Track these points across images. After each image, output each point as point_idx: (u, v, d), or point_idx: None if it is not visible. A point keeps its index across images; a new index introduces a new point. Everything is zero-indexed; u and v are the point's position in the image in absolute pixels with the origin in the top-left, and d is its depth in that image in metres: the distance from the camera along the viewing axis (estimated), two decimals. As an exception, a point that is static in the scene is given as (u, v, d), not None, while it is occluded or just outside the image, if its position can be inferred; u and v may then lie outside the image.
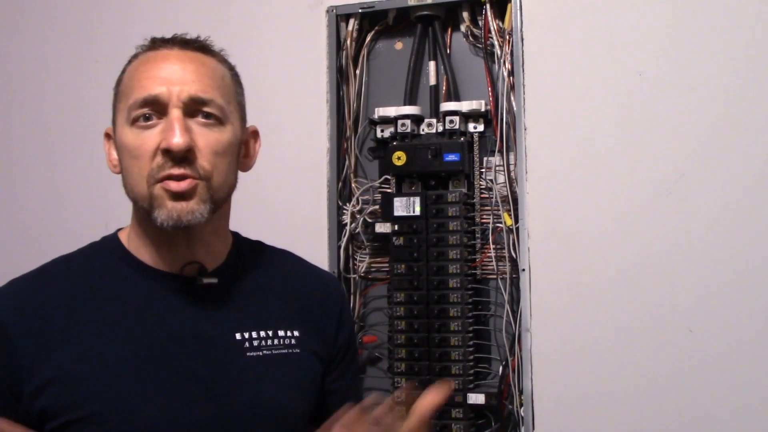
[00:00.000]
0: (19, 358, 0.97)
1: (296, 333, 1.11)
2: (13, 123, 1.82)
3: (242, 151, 1.10)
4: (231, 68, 1.12)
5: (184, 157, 1.00)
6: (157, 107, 1.02)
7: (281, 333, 1.10)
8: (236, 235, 1.15)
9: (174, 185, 1.00)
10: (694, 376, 1.36)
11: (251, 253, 1.16)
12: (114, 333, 1.00)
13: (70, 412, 0.96)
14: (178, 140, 0.99)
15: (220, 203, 1.06)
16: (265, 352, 1.07)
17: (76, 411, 0.96)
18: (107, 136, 1.11)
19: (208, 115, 1.04)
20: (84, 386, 0.97)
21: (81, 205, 1.73)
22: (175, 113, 1.01)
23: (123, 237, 1.10)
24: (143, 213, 1.03)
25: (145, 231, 1.06)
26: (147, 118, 1.02)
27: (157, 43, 1.08)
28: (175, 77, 1.03)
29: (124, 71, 1.08)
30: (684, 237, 1.38)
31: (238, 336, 1.06)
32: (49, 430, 0.96)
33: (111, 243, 1.10)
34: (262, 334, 1.08)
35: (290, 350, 1.10)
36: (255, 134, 1.15)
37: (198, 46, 1.08)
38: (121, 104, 1.05)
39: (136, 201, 1.03)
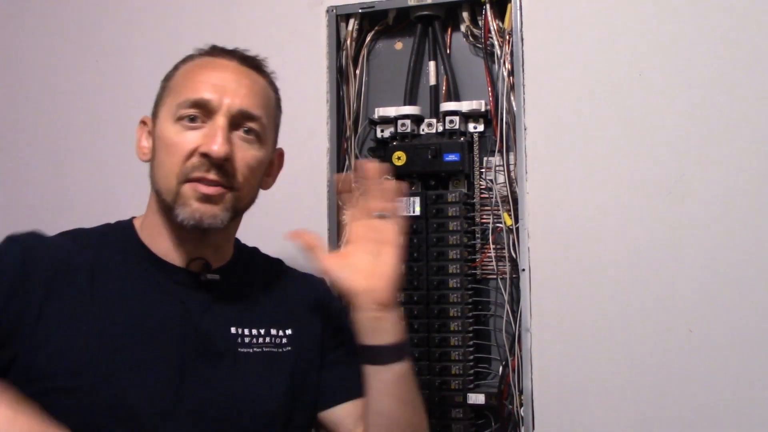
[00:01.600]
0: (27, 311, 0.98)
1: (288, 332, 1.14)
2: (13, 123, 1.82)
3: (266, 170, 1.15)
4: (276, 91, 1.18)
5: (220, 165, 1.04)
6: (204, 111, 1.05)
7: (273, 332, 1.13)
8: (237, 241, 1.19)
9: (204, 188, 1.03)
10: (694, 376, 1.36)
11: (250, 258, 1.20)
12: (116, 312, 1.03)
13: (53, 379, 0.98)
14: (218, 148, 1.02)
15: (240, 213, 1.11)
16: (255, 349, 1.10)
17: (58, 380, 0.98)
18: (143, 123, 1.14)
19: (249, 131, 1.08)
20: (78, 357, 0.99)
21: (83, 204, 1.73)
22: (221, 121, 1.05)
23: (137, 225, 1.13)
24: (163, 206, 1.06)
25: (161, 222, 1.10)
26: (192, 119, 1.05)
27: (216, 51, 1.13)
28: (228, 87, 1.07)
29: (176, 68, 1.12)
30: (684, 237, 1.38)
31: (233, 330, 1.09)
32: (28, 391, 0.96)
33: (125, 229, 1.13)
34: (254, 332, 1.11)
35: (281, 349, 1.13)
36: (281, 156, 1.21)
37: (254, 64, 1.14)
38: (169, 99, 1.08)
39: (160, 193, 1.07)
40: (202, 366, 1.04)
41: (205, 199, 1.03)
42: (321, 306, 1.20)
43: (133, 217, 1.15)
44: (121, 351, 1.00)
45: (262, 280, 1.19)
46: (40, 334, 0.98)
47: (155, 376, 1.01)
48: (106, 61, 1.76)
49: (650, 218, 1.40)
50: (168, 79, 1.12)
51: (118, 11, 1.76)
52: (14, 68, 1.83)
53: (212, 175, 1.03)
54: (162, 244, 1.09)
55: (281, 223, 1.59)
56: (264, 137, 1.11)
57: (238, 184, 1.06)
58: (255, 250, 1.24)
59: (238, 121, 1.07)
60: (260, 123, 1.09)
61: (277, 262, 1.26)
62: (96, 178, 1.73)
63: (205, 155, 1.03)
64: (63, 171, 1.77)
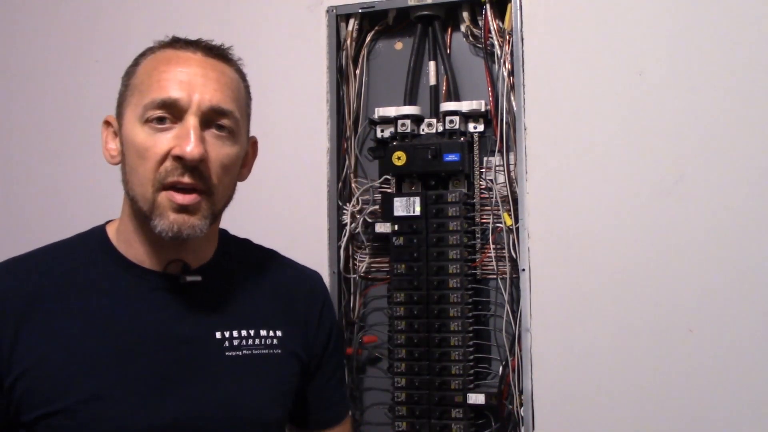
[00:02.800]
0: (2, 343, 0.96)
1: (279, 333, 1.09)
2: (13, 123, 1.82)
3: (242, 162, 1.08)
4: (245, 79, 1.10)
5: (195, 167, 0.98)
6: (173, 111, 0.99)
7: (263, 333, 1.08)
8: (223, 233, 1.14)
9: (180, 198, 0.98)
10: (694, 376, 1.36)
11: (237, 252, 1.15)
12: (93, 328, 0.99)
13: (44, 405, 0.95)
14: (192, 149, 0.97)
15: (218, 216, 1.05)
16: (245, 351, 1.06)
17: (49, 405, 0.95)
18: (107, 123, 1.08)
19: (221, 127, 1.02)
20: (58, 380, 0.96)
21: (81, 203, 1.73)
22: (192, 121, 0.99)
23: (111, 231, 1.08)
24: (139, 214, 1.02)
25: (135, 227, 1.04)
26: (160, 120, 0.99)
27: (179, 43, 1.05)
28: (196, 84, 1.00)
29: (137, 63, 1.06)
30: (684, 237, 1.38)
31: (218, 335, 1.05)
32: (24, 423, 0.95)
33: (97, 236, 1.07)
34: (244, 333, 1.07)
35: (271, 350, 1.08)
36: (254, 145, 1.13)
37: (219, 54, 1.06)
38: (134, 98, 1.02)
39: (136, 201, 1.01)
40: (187, 375, 1.00)
41: (182, 209, 0.98)
42: (315, 306, 1.16)
43: (109, 221, 1.10)
44: (101, 370, 0.97)
45: (252, 275, 1.13)
46: (16, 364, 0.95)
47: (138, 393, 0.98)
48: (106, 61, 1.76)
49: (650, 218, 1.40)
50: (129, 75, 1.05)
51: (117, 11, 1.76)
52: (14, 68, 1.83)
53: (187, 179, 0.98)
54: (137, 249, 1.04)
55: (281, 223, 1.60)
56: (237, 132, 1.04)
57: (213, 187, 1.01)
58: (246, 242, 1.18)
59: (209, 118, 1.00)
60: (232, 118, 1.03)
61: (271, 253, 1.19)
62: (96, 177, 1.73)
63: (178, 158, 0.97)
64: (62, 171, 1.77)
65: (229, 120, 1.02)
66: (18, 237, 1.79)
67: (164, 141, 0.98)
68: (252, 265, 1.15)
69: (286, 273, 1.18)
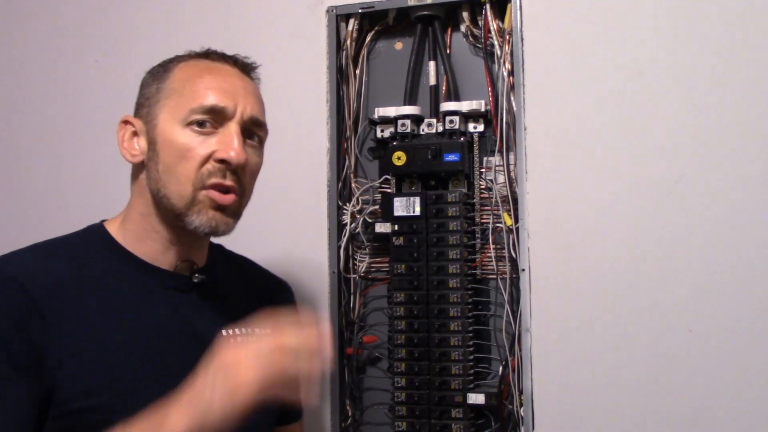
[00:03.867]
0: (44, 333, 0.96)
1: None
2: (13, 123, 1.82)
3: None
4: None
5: (235, 170, 1.05)
6: (217, 117, 1.05)
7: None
8: None
9: (219, 197, 1.04)
10: (694, 376, 1.36)
11: (220, 256, 1.22)
12: (118, 324, 1.02)
13: (81, 399, 0.96)
14: (239, 154, 1.04)
15: (240, 218, 1.11)
16: None
17: (86, 399, 0.96)
18: (125, 122, 1.11)
19: (253, 137, 1.10)
20: (95, 374, 0.97)
21: (83, 203, 1.73)
22: (236, 128, 1.06)
23: (112, 229, 1.10)
24: (169, 211, 1.05)
25: (150, 226, 1.07)
26: (202, 124, 1.05)
27: (214, 56, 1.12)
28: (239, 94, 1.07)
29: (167, 69, 1.10)
30: (684, 237, 1.38)
31: (224, 333, 1.08)
32: (55, 416, 0.96)
33: (100, 234, 1.09)
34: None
35: None
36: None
37: (251, 70, 1.15)
38: (171, 101, 1.06)
39: (168, 198, 1.04)
40: None
41: (220, 208, 1.05)
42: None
43: (103, 221, 1.12)
44: (130, 365, 0.99)
45: (238, 277, 1.20)
46: (50, 352, 0.96)
47: (170, 387, 0.98)
48: (106, 61, 1.76)
49: (650, 218, 1.40)
50: (160, 79, 1.10)
51: (117, 11, 1.76)
52: (14, 68, 1.83)
53: (228, 181, 1.04)
54: (149, 248, 1.07)
55: (281, 223, 1.60)
56: (263, 143, 1.13)
57: (246, 191, 1.08)
58: (222, 246, 1.24)
59: (247, 127, 1.08)
60: (264, 130, 1.12)
61: (247, 259, 1.27)
62: (96, 177, 1.73)
63: (222, 161, 1.04)
64: (62, 171, 1.77)
65: (262, 131, 1.11)
66: (18, 236, 1.79)
67: (207, 144, 1.04)
68: (234, 268, 1.21)
69: (266, 278, 1.27)
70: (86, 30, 1.78)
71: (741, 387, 1.34)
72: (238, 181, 1.06)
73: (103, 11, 1.77)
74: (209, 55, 1.13)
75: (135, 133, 1.09)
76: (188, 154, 1.03)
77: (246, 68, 1.13)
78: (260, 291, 1.22)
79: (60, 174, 1.77)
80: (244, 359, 0.89)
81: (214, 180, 1.04)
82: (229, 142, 1.04)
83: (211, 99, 1.05)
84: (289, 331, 0.92)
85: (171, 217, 1.05)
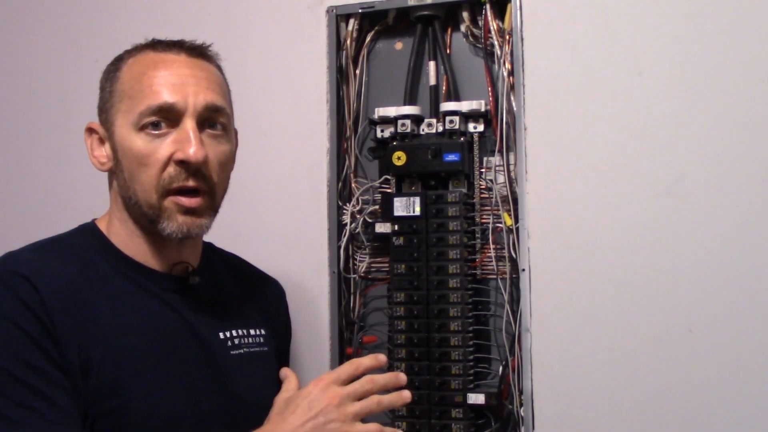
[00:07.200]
0: (60, 336, 0.93)
1: (263, 332, 1.14)
2: (13, 123, 1.82)
3: (234, 157, 1.12)
4: (223, 74, 1.11)
5: (198, 169, 1.00)
6: (170, 115, 1.00)
7: (253, 332, 1.13)
8: None
9: (186, 201, 1.00)
10: (694, 376, 1.36)
11: (213, 255, 1.19)
12: (128, 325, 1.00)
13: (102, 402, 0.95)
14: (197, 152, 0.99)
15: (218, 211, 1.07)
16: (245, 350, 1.10)
17: (107, 401, 0.95)
18: (90, 130, 1.07)
19: (214, 125, 1.04)
20: (113, 375, 0.96)
21: (83, 203, 1.72)
22: (190, 124, 1.00)
23: (103, 229, 1.08)
24: (144, 218, 1.03)
25: (135, 230, 1.05)
26: (156, 126, 1.00)
27: (160, 46, 1.06)
28: (188, 85, 1.01)
29: (118, 68, 1.06)
30: (684, 237, 1.38)
31: (221, 335, 1.09)
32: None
33: (94, 235, 1.07)
34: (240, 332, 1.11)
35: (261, 348, 1.13)
36: (236, 135, 1.14)
37: (202, 53, 1.07)
38: (123, 105, 1.02)
39: (140, 206, 1.02)
40: (207, 373, 1.04)
41: (189, 211, 1.01)
42: (282, 309, 1.23)
43: (94, 220, 1.10)
44: (147, 367, 0.99)
45: (231, 277, 1.18)
46: (74, 363, 0.95)
47: (184, 388, 1.00)
48: (105, 60, 1.75)
49: (650, 218, 1.40)
50: (112, 81, 1.06)
51: (117, 11, 1.76)
52: (14, 68, 1.83)
53: (191, 182, 1.00)
54: (139, 250, 1.05)
55: (281, 223, 1.60)
56: (229, 127, 1.07)
57: (215, 186, 1.03)
58: (212, 245, 1.21)
59: (205, 117, 1.02)
60: (225, 114, 1.05)
61: (237, 257, 1.24)
62: (96, 177, 1.73)
63: (181, 162, 0.99)
64: (62, 171, 1.77)
65: (222, 117, 1.04)
66: (18, 236, 1.79)
67: (164, 147, 1.00)
68: (228, 268, 1.20)
69: (257, 276, 1.25)
70: (86, 30, 1.78)
71: (741, 387, 1.34)
72: (204, 178, 1.01)
73: (102, 11, 1.77)
74: (155, 45, 1.06)
75: (101, 140, 1.06)
76: (147, 161, 0.99)
77: (195, 52, 1.06)
78: (252, 289, 1.21)
79: (60, 174, 1.77)
80: None
81: (176, 184, 1.00)
82: (185, 141, 0.99)
83: (158, 98, 0.99)
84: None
85: (146, 223, 1.03)
